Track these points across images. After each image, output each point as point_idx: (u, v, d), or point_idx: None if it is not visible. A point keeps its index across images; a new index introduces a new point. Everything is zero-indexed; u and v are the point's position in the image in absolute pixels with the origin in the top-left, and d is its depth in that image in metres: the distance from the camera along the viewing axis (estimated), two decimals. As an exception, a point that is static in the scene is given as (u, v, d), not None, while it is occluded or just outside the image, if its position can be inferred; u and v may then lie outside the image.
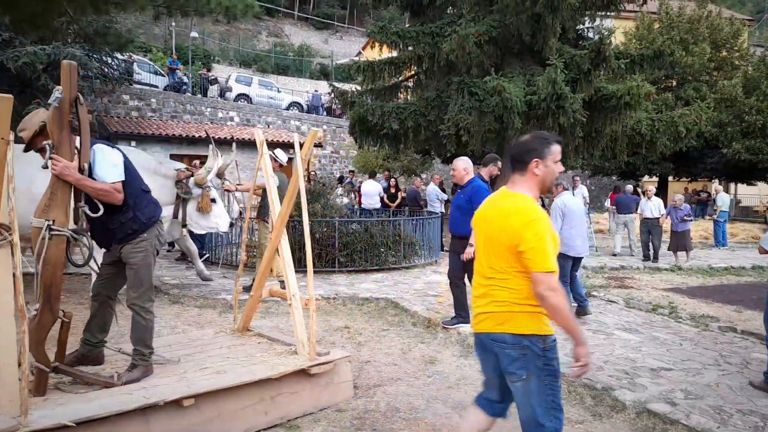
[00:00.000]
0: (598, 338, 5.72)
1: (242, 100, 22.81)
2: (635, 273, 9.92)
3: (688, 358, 5.15)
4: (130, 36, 13.03)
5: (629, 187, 14.04)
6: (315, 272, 8.32)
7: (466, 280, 5.68)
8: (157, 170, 6.37)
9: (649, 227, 11.32)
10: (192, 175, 6.43)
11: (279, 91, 24.73)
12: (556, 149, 2.51)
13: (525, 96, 11.20)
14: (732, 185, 27.62)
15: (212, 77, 23.42)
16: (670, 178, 24.48)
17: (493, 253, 2.48)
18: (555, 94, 10.41)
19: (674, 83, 22.40)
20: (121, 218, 3.35)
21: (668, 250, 11.22)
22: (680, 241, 11.01)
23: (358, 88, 14.43)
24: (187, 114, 20.10)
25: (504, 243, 2.42)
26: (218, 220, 6.55)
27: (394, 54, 13.92)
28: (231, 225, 6.84)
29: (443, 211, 11.73)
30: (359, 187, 14.05)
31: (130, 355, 3.41)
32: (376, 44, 13.69)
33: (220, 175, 6.85)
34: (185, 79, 21.80)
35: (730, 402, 4.15)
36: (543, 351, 2.43)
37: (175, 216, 6.50)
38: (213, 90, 23.00)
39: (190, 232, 7.24)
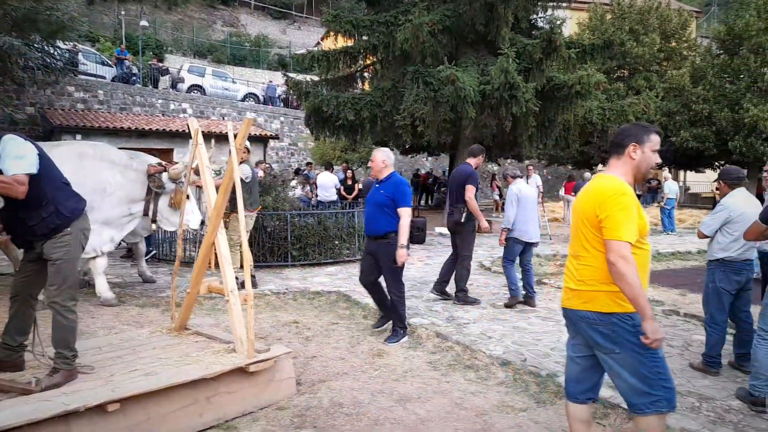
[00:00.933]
0: (547, 325, 5.77)
1: (195, 92, 22.19)
2: (587, 260, 10.09)
3: (633, 342, 5.23)
4: (63, 22, 12.37)
5: (587, 175, 14.35)
6: (267, 267, 8.22)
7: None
8: (128, 165, 6.18)
9: None
10: (165, 170, 6.24)
11: (234, 82, 24.16)
12: (655, 138, 2.63)
13: (479, 85, 11.24)
14: (681, 173, 28.57)
15: (163, 68, 22.68)
16: (624, 167, 25.14)
17: (582, 230, 2.60)
18: (508, 84, 10.47)
19: (626, 73, 22.96)
20: (43, 213, 3.15)
21: None
22: None
23: (314, 78, 14.23)
24: (136, 106, 19.43)
25: (590, 218, 2.53)
26: (189, 216, 6.36)
27: (350, 44, 13.77)
28: (202, 223, 6.61)
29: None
30: (315, 179, 13.85)
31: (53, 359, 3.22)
32: (334, 35, 13.52)
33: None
34: (134, 70, 21.01)
35: (670, 384, 4.23)
36: (633, 327, 2.50)
37: (146, 212, 6.30)
38: (165, 81, 22.28)
39: None
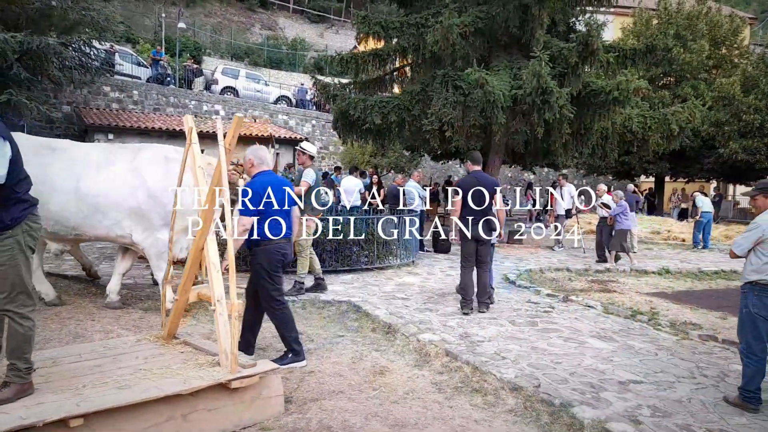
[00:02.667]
0: (569, 347, 5.34)
1: (228, 93, 22.36)
2: (620, 276, 9.53)
3: (662, 370, 4.76)
4: (76, 20, 12.52)
5: (631, 186, 13.72)
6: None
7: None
8: (210, 171, 6.03)
9: (601, 227, 10.99)
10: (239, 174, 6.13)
11: (267, 84, 24.26)
12: None
13: (510, 90, 10.80)
14: (730, 186, 27.21)
15: (197, 69, 22.94)
16: (667, 179, 24.08)
17: None
18: (540, 89, 10.01)
19: (672, 81, 21.98)
20: None
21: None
22: (613, 240, 10.49)
23: (343, 81, 14.04)
24: (170, 107, 19.67)
25: None
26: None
27: (380, 46, 13.53)
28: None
29: (423, 208, 11.34)
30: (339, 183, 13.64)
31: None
32: (365, 37, 13.33)
33: None
34: (169, 71, 21.31)
35: (700, 420, 3.78)
36: None
37: (223, 218, 6.17)
38: (198, 83, 22.54)
39: None
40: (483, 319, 6.20)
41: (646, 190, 24.91)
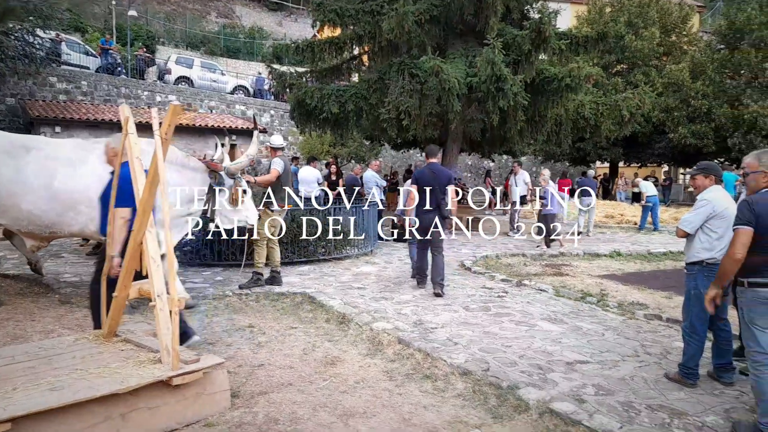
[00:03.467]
0: (520, 330, 5.43)
1: (183, 83, 21.76)
2: (574, 260, 9.75)
3: (608, 350, 4.90)
4: (9, 4, 11.90)
5: (591, 172, 14.06)
6: (237, 265, 7.86)
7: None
8: (184, 164, 5.92)
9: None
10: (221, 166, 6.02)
11: (223, 74, 23.71)
12: None
13: (466, 78, 10.85)
14: (681, 170, 28.16)
15: (149, 58, 22.21)
16: (621, 164, 24.73)
17: None
18: (494, 76, 10.09)
19: (625, 68, 22.52)
20: None
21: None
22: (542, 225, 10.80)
23: (299, 69, 13.85)
24: (121, 98, 19.03)
25: None
26: (248, 213, 6.17)
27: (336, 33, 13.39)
28: (259, 218, 6.50)
29: (383, 198, 11.33)
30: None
31: None
32: (321, 25, 13.15)
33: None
34: (119, 61, 20.57)
35: (642, 396, 3.90)
36: None
37: (204, 212, 6.05)
38: (151, 72, 21.85)
39: None
40: (437, 306, 6.25)
41: (600, 175, 25.52)
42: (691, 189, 27.99)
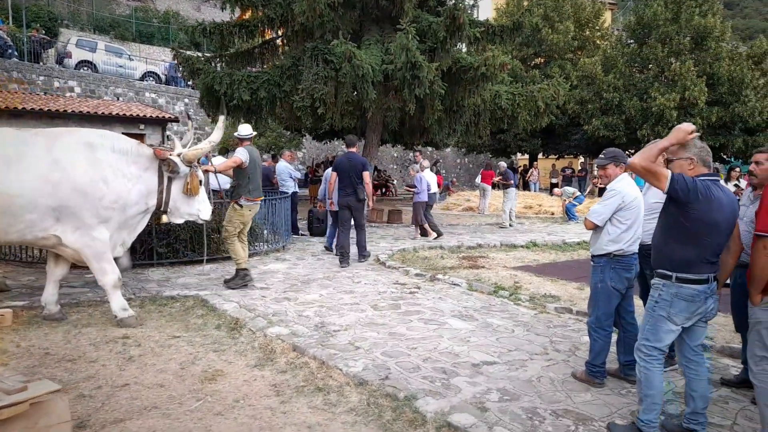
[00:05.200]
0: (428, 329, 5.10)
1: (85, 68, 20.05)
2: (491, 251, 9.63)
3: (516, 347, 4.66)
4: None
5: (503, 164, 14.16)
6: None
7: None
8: (139, 152, 5.22)
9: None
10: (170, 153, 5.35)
11: (131, 59, 22.08)
12: None
13: (381, 65, 10.45)
14: (595, 162, 29.30)
15: (45, 40, 20.27)
16: (540, 156, 25.34)
17: None
18: (409, 63, 9.75)
19: (542, 61, 23.00)
20: None
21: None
22: (413, 214, 10.81)
23: (207, 55, 12.98)
24: (13, 83, 17.26)
25: None
26: (201, 206, 5.58)
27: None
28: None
29: (296, 190, 10.78)
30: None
31: None
32: (230, 7, 12.35)
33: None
34: (10, 42, 18.63)
35: (548, 401, 3.65)
36: None
37: (159, 206, 5.31)
38: (50, 57, 19.96)
39: None
40: (344, 306, 5.83)
41: (521, 167, 26.09)
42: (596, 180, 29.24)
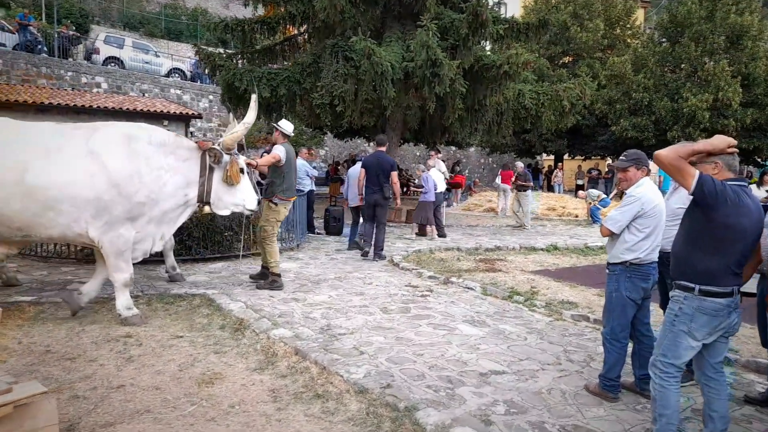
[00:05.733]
0: (437, 335, 4.94)
1: (113, 64, 20.33)
2: (510, 254, 9.39)
3: (528, 356, 4.46)
4: None
5: (519, 164, 13.85)
6: (137, 263, 7.07)
7: None
8: (178, 143, 5.16)
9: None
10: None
11: (157, 56, 22.33)
12: None
13: (402, 62, 10.30)
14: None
15: (74, 36, 20.60)
16: (566, 156, 24.82)
17: None
18: (429, 60, 9.57)
19: (570, 60, 22.51)
20: None
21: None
22: (416, 212, 10.68)
23: (229, 51, 13.00)
24: (42, 78, 17.60)
25: None
26: (246, 195, 5.37)
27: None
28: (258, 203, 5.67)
29: (313, 188, 10.70)
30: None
31: None
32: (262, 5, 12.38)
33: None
34: (40, 38, 18.98)
35: (557, 415, 3.45)
36: None
37: (201, 197, 5.23)
38: (79, 52, 20.26)
39: None
40: (352, 308, 5.70)
41: (545, 167, 25.60)
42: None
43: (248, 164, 5.74)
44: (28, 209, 4.58)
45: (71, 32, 20.26)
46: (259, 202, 5.64)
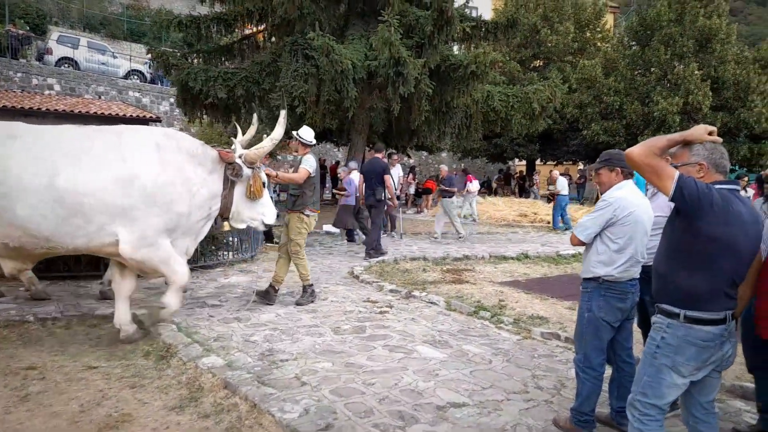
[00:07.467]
0: (393, 359, 4.40)
1: (66, 65, 19.35)
2: (478, 263, 8.91)
3: (492, 384, 3.96)
4: None
5: (443, 167, 13.48)
6: (75, 277, 6.41)
7: None
8: (205, 153, 4.80)
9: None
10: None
11: (115, 57, 21.39)
12: None
13: (365, 61, 9.79)
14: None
15: (23, 35, 19.56)
16: (538, 162, 24.63)
17: None
18: (393, 59, 9.08)
19: (541, 64, 22.34)
20: None
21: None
22: (338, 217, 10.36)
23: (184, 50, 12.32)
24: (-12, 80, 16.62)
25: None
26: (265, 210, 5.21)
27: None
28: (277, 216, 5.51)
29: (275, 196, 10.08)
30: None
31: None
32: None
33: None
34: (-14, 38, 17.97)
35: (522, 460, 2.93)
36: None
37: (222, 212, 4.99)
38: (31, 53, 19.22)
39: None
40: (300, 328, 5.13)
41: (518, 173, 25.36)
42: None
43: (267, 174, 5.46)
44: (58, 215, 4.19)
45: (21, 31, 19.22)
46: (277, 216, 5.46)
